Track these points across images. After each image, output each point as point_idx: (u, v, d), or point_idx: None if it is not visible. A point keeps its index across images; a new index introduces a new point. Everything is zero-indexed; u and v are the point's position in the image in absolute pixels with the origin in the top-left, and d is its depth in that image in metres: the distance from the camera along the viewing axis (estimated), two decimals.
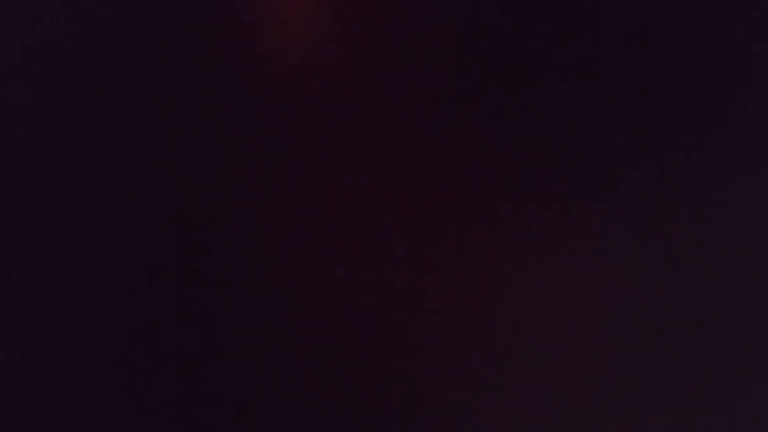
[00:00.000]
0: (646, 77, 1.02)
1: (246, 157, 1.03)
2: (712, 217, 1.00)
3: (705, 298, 1.00)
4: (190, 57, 1.04)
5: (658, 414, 0.99)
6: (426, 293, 1.00)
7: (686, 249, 1.00)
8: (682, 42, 1.02)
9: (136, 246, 1.02)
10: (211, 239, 1.02)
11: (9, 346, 1.02)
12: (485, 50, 1.03)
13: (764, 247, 1.00)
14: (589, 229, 1.00)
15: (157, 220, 1.02)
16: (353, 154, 1.02)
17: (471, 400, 1.00)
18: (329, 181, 1.02)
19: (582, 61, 1.02)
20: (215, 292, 1.01)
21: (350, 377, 1.00)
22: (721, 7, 1.02)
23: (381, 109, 1.03)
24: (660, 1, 1.03)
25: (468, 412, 0.99)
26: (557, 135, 1.02)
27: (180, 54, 1.04)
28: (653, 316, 1.00)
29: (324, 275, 1.01)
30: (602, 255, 1.00)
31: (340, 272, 1.01)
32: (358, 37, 1.04)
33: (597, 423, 0.99)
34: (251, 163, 1.03)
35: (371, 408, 1.00)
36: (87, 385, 1.01)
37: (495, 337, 1.00)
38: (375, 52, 1.03)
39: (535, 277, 1.00)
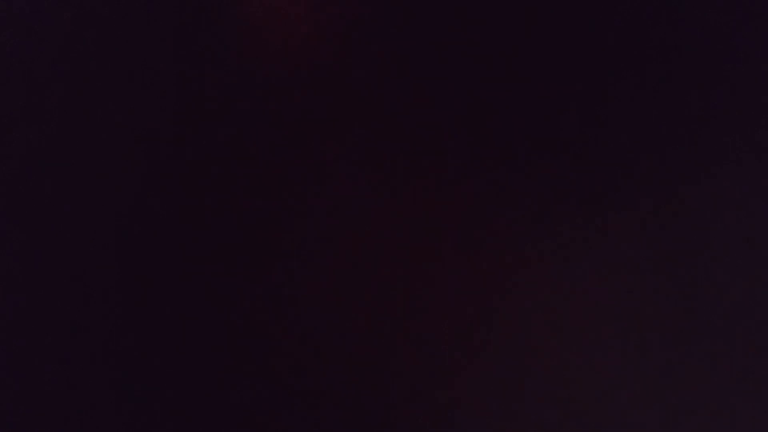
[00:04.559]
0: (646, 78, 1.02)
1: (245, 156, 1.03)
2: (712, 218, 1.00)
3: (705, 299, 1.00)
4: (190, 56, 1.04)
5: (658, 414, 0.99)
6: (425, 294, 1.00)
7: (687, 249, 1.00)
8: (682, 42, 1.02)
9: (135, 245, 1.02)
10: (210, 238, 1.02)
11: (9, 346, 1.02)
12: (486, 50, 1.03)
13: (764, 247, 1.00)
14: (589, 230, 1.01)
15: (155, 219, 1.02)
16: (352, 154, 1.02)
17: (471, 400, 1.00)
18: (328, 181, 1.02)
19: (582, 61, 1.02)
20: (214, 291, 1.01)
21: (348, 377, 1.00)
22: (721, 7, 1.02)
23: (380, 110, 1.03)
24: (661, 1, 1.03)
25: (468, 413, 1.00)
26: (557, 136, 1.02)
27: (179, 53, 1.04)
28: (654, 316, 1.00)
29: (322, 275, 1.01)
30: (602, 256, 1.00)
31: (338, 272, 1.01)
32: (358, 36, 1.04)
33: (597, 423, 0.99)
34: (250, 163, 1.03)
35: (370, 408, 1.00)
36: (87, 387, 1.01)
37: (495, 337, 1.00)
38: (375, 53, 1.04)
39: (535, 278, 1.00)
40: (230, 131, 1.03)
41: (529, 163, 1.01)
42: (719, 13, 1.02)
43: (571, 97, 1.02)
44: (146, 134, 1.03)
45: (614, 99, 1.02)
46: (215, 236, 1.02)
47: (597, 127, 1.01)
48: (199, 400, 1.00)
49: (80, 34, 1.05)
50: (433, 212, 1.01)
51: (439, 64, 1.03)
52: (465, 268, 1.01)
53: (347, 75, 1.03)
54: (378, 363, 1.00)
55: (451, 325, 1.00)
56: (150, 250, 1.02)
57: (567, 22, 1.03)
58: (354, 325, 1.01)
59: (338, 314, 1.01)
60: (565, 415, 0.99)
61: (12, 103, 1.04)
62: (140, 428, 1.00)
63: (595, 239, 1.00)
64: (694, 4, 1.02)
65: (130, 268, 1.02)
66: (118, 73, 1.04)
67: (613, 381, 0.99)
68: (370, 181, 1.02)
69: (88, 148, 1.04)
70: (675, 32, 1.02)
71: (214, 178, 1.03)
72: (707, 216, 1.00)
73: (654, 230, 1.00)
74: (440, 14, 1.04)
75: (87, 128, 1.04)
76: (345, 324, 1.01)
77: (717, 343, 0.99)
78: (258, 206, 1.02)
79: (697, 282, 1.00)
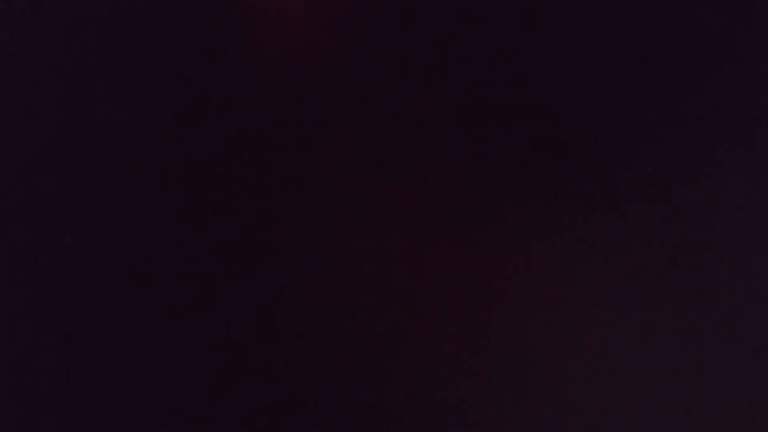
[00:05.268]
0: (646, 78, 1.02)
1: (245, 156, 1.03)
2: (714, 218, 1.00)
3: (708, 299, 1.00)
4: (190, 56, 1.04)
5: (661, 414, 0.99)
6: (426, 294, 1.00)
7: (689, 249, 1.00)
8: (683, 42, 1.02)
9: (135, 244, 1.02)
10: (210, 238, 1.02)
11: (9, 346, 1.02)
12: (487, 51, 1.03)
13: (765, 247, 1.00)
14: (592, 230, 1.01)
15: (155, 219, 1.02)
16: (352, 154, 1.02)
17: (473, 400, 1.00)
18: (328, 181, 1.02)
19: (584, 61, 1.02)
20: (214, 290, 1.01)
21: (349, 377, 1.00)
22: (721, 8, 1.02)
23: (381, 110, 1.03)
24: (661, 1, 1.03)
25: (470, 413, 1.00)
26: (560, 136, 1.02)
27: (179, 53, 1.04)
28: (656, 316, 1.00)
29: (323, 275, 1.01)
30: (604, 255, 1.00)
31: (338, 272, 1.01)
32: (359, 36, 1.04)
33: (599, 423, 0.99)
34: (250, 163, 1.03)
35: (370, 408, 1.00)
36: (87, 387, 1.01)
37: (496, 338, 1.00)
38: (376, 53, 1.04)
39: (536, 278, 1.00)
40: (230, 131, 1.03)
41: (531, 163, 1.01)
42: (719, 13, 1.02)
43: (573, 97, 1.02)
44: (146, 134, 1.03)
45: (615, 99, 1.02)
46: (215, 236, 1.02)
47: (599, 127, 1.02)
48: (199, 400, 1.00)
49: (80, 34, 1.05)
50: (434, 212, 1.01)
51: (439, 64, 1.03)
52: (466, 268, 1.01)
53: (347, 75, 1.03)
54: (379, 363, 1.00)
55: (453, 325, 1.00)
56: (150, 249, 1.02)
57: (568, 22, 1.03)
58: (354, 325, 1.01)
59: (339, 314, 1.01)
60: (567, 416, 0.99)
61: (12, 103, 1.04)
62: (140, 428, 1.00)
63: (598, 239, 1.00)
64: (694, 4, 1.02)
65: (129, 267, 1.02)
66: (118, 73, 1.04)
67: (616, 381, 0.99)
68: (371, 181, 1.02)
69: (88, 148, 1.04)
70: (675, 32, 1.02)
71: (214, 178, 1.03)
72: (709, 216, 1.00)
73: (656, 230, 1.00)
74: (441, 14, 1.04)
75: (87, 128, 1.04)
76: (345, 324, 1.01)
77: (720, 343, 0.99)
78: (258, 206, 1.02)
79: (700, 282, 1.00)
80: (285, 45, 1.04)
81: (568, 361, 0.99)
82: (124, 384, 1.01)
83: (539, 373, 0.99)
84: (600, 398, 0.99)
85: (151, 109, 1.04)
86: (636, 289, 1.00)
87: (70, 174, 1.03)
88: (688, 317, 1.00)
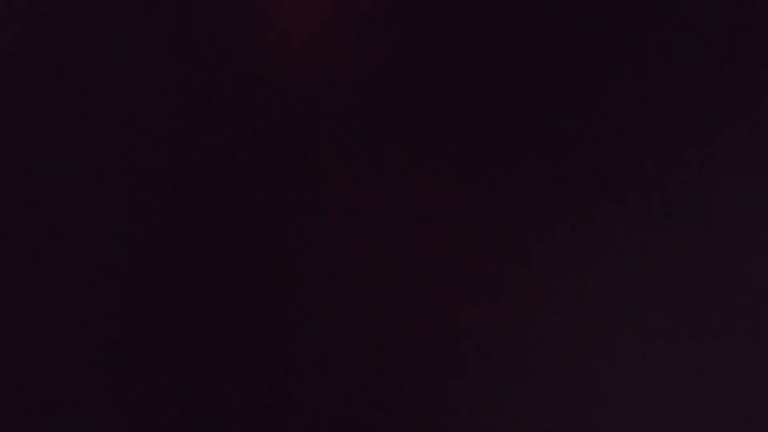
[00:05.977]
0: (647, 77, 1.02)
1: (246, 156, 1.03)
2: (713, 217, 1.00)
3: (706, 299, 1.00)
4: (190, 56, 1.04)
5: (659, 414, 0.99)
6: (425, 294, 1.01)
7: (688, 250, 1.00)
8: (684, 42, 1.02)
9: (135, 244, 1.02)
10: (210, 238, 1.02)
11: (9, 346, 1.02)
12: (486, 50, 1.03)
13: (765, 247, 1.00)
14: (590, 230, 1.01)
15: (155, 219, 1.02)
16: (355, 154, 1.02)
17: (471, 400, 1.00)
18: (329, 181, 1.02)
19: (584, 60, 1.02)
20: (214, 290, 1.01)
21: (348, 378, 1.00)
22: (721, 7, 1.02)
23: (381, 110, 1.03)
24: (661, 1, 1.03)
25: (468, 412, 1.00)
26: (557, 135, 1.02)
27: (179, 53, 1.04)
28: (655, 317, 1.00)
29: (323, 274, 1.01)
30: (602, 255, 1.00)
31: (339, 271, 1.01)
32: (361, 37, 1.04)
33: (597, 423, 0.99)
34: (251, 163, 1.03)
35: (369, 408, 1.00)
36: (88, 387, 1.01)
37: (495, 337, 1.00)
38: (377, 53, 1.04)
39: (536, 278, 1.00)
40: (231, 131, 1.03)
41: (530, 162, 1.01)
42: (719, 13, 1.02)
43: (573, 97, 1.02)
44: (146, 134, 1.03)
45: (616, 99, 1.02)
46: (215, 236, 1.02)
47: (599, 127, 1.02)
48: (199, 400, 1.00)
49: (80, 34, 1.05)
50: (434, 212, 1.01)
51: (439, 65, 1.03)
52: (466, 267, 1.01)
53: (348, 75, 1.03)
54: (379, 363, 1.00)
55: (453, 325, 1.00)
56: (150, 249, 1.02)
57: (569, 23, 1.03)
58: (354, 325, 1.01)
59: (338, 314, 1.01)
60: (567, 416, 0.99)
61: (12, 103, 1.04)
62: (140, 428, 1.00)
63: (597, 238, 1.00)
64: (694, 4, 1.03)
65: (129, 267, 1.02)
66: (118, 73, 1.04)
67: (616, 380, 0.99)
68: (370, 182, 1.02)
69: (88, 148, 1.04)
70: (675, 32, 1.02)
71: (214, 178, 1.03)
72: (709, 215, 1.00)
73: (656, 229, 1.00)
74: (441, 15, 1.04)
75: (87, 128, 1.04)
76: (345, 323, 1.01)
77: (720, 343, 0.99)
78: (258, 207, 1.02)
79: (700, 282, 1.00)
80: (285, 45, 1.04)
81: (568, 361, 0.99)
82: (124, 384, 1.01)
83: (539, 372, 0.99)
84: (600, 398, 0.99)
85: (151, 109, 1.04)
86: (636, 289, 1.00)
87: (70, 174, 1.03)
88: (688, 317, 1.00)
